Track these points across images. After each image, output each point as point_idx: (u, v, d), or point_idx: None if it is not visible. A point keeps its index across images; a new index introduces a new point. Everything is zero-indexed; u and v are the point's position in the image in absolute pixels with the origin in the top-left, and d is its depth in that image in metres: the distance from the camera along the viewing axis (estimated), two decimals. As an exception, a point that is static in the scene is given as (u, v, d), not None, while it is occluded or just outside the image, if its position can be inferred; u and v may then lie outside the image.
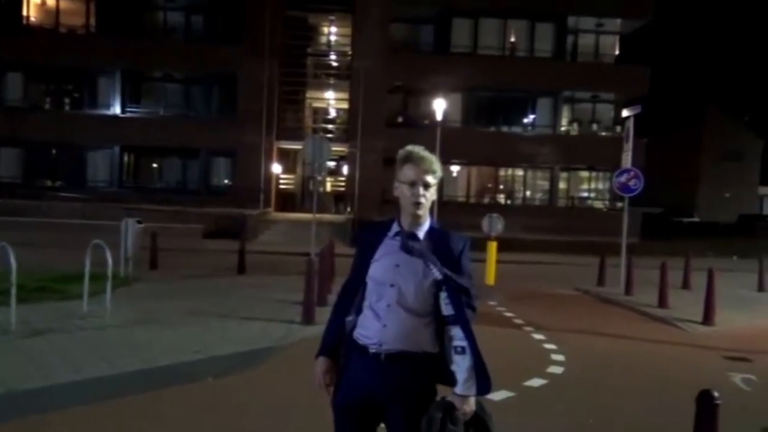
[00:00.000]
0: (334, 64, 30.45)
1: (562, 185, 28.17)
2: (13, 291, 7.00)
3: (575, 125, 28.11)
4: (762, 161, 51.21)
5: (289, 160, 29.25)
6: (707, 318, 9.81)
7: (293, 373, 6.05)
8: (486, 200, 27.29)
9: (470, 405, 2.44)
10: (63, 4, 26.15)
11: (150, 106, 26.60)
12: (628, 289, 12.74)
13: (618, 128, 25.41)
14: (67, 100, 26.40)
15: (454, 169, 27.11)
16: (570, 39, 27.67)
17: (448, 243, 2.55)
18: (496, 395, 5.37)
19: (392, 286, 2.49)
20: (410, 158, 2.54)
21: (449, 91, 23.60)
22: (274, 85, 26.41)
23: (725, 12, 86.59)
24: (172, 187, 26.29)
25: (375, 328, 2.50)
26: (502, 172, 28.12)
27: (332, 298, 7.88)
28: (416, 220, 2.55)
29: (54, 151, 26.13)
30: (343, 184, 29.39)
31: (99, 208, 21.55)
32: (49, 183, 25.60)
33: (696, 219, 42.47)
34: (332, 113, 31.80)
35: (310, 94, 30.06)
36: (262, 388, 5.84)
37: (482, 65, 25.91)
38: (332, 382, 2.62)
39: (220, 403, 5.28)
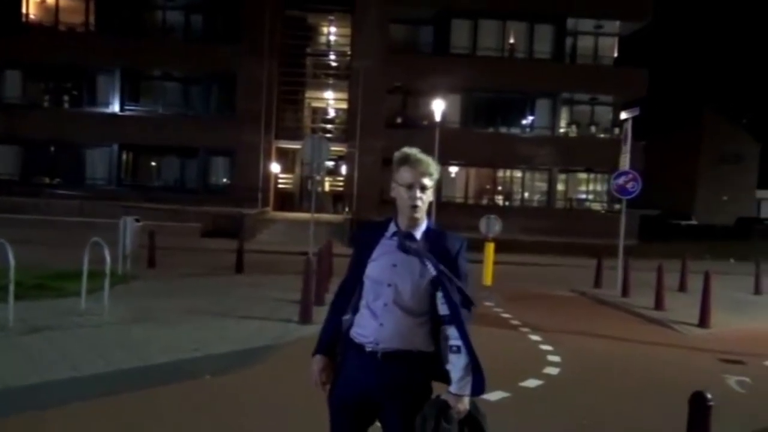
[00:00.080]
0: (334, 64, 30.48)
1: (560, 187, 28.23)
2: (11, 288, 7.01)
3: (574, 127, 28.18)
4: (760, 164, 51.25)
5: (287, 159, 29.27)
6: (703, 320, 9.83)
7: (290, 372, 6.07)
8: (484, 201, 27.33)
9: (464, 404, 2.46)
10: (62, 3, 26.14)
11: (149, 104, 26.61)
12: (625, 291, 12.76)
13: (616, 130, 25.45)
14: (66, 98, 26.42)
15: (453, 170, 27.13)
16: (569, 41, 27.72)
17: (445, 243, 2.57)
18: (492, 395, 5.40)
19: (389, 285, 2.51)
20: (407, 160, 2.56)
21: (448, 92, 23.62)
22: (273, 84, 26.43)
23: (724, 15, 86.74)
24: (170, 185, 26.31)
25: (372, 327, 2.53)
26: (500, 174, 28.16)
27: (329, 297, 7.91)
28: (413, 222, 2.58)
29: (52, 149, 26.13)
30: (341, 184, 29.41)
31: (97, 206, 21.55)
32: (47, 180, 25.59)
33: (693, 221, 42.48)
34: (331, 113, 31.83)
35: (309, 93, 30.09)
36: (259, 386, 5.86)
37: (481, 66, 25.96)
38: (329, 380, 2.64)
39: (218, 401, 5.29)
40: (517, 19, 26.99)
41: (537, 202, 28.13)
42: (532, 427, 5.18)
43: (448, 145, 19.97)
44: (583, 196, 29.41)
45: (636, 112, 13.99)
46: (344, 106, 29.13)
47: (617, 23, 27.94)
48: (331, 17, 29.55)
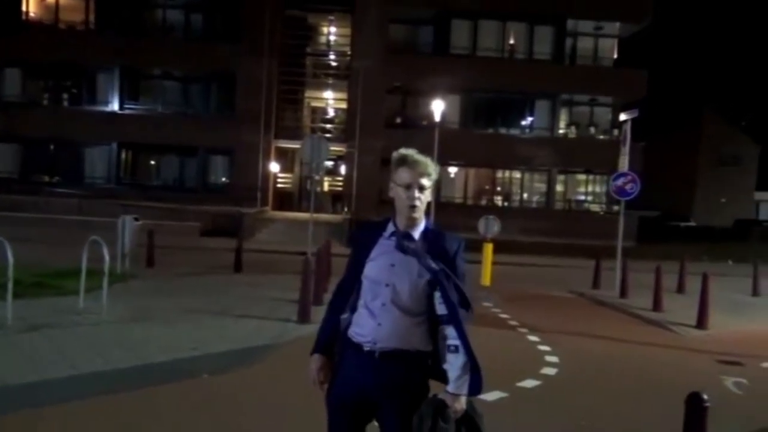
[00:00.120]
0: (333, 64, 30.48)
1: (559, 188, 28.23)
2: (10, 286, 7.03)
3: (573, 128, 28.18)
4: (759, 166, 51.29)
5: (287, 159, 29.26)
6: (701, 322, 9.86)
7: (288, 371, 6.08)
8: (483, 202, 27.33)
9: (461, 403, 2.47)
10: (62, 1, 26.09)
11: (148, 103, 26.57)
12: (623, 292, 12.79)
13: (615, 131, 25.47)
14: (65, 97, 26.40)
15: (452, 170, 27.13)
16: (569, 42, 27.71)
17: (443, 244, 2.58)
18: (490, 395, 5.40)
19: (387, 285, 2.52)
20: (405, 161, 2.57)
21: (448, 93, 23.61)
22: (273, 84, 26.42)
23: (723, 17, 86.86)
24: (169, 184, 26.29)
25: (369, 327, 2.54)
26: (499, 174, 28.15)
27: (328, 297, 7.92)
28: (411, 222, 2.59)
29: (51, 147, 26.09)
30: (340, 183, 29.41)
31: (96, 204, 21.55)
32: (46, 179, 25.58)
33: (692, 223, 42.55)
34: (331, 113, 31.82)
35: (308, 93, 30.07)
36: (257, 385, 5.87)
37: (481, 67, 25.96)
38: (326, 379, 2.65)
39: (216, 400, 5.30)
40: (517, 20, 26.98)
41: (536, 203, 28.14)
42: (530, 428, 5.19)
43: (448, 146, 19.98)
44: (582, 198, 29.41)
45: (635, 113, 14.02)
46: (344, 106, 29.13)
47: (617, 25, 27.94)
48: (331, 17, 29.55)
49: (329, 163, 27.58)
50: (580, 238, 22.77)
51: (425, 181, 2.55)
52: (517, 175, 28.01)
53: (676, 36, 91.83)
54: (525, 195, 28.16)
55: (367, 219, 18.64)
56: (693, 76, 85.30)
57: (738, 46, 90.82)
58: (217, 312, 8.75)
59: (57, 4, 26.01)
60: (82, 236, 8.42)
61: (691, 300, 10.88)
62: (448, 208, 23.80)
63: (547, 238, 23.49)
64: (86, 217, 20.04)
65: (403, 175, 2.56)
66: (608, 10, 26.63)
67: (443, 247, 2.56)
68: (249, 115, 25.43)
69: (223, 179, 26.93)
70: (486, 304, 11.20)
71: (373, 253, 2.59)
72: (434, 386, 2.57)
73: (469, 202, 27.17)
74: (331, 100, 31.04)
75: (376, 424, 2.60)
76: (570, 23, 27.21)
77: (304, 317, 8.41)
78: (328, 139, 20.18)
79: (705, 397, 3.14)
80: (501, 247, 15.66)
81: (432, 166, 2.58)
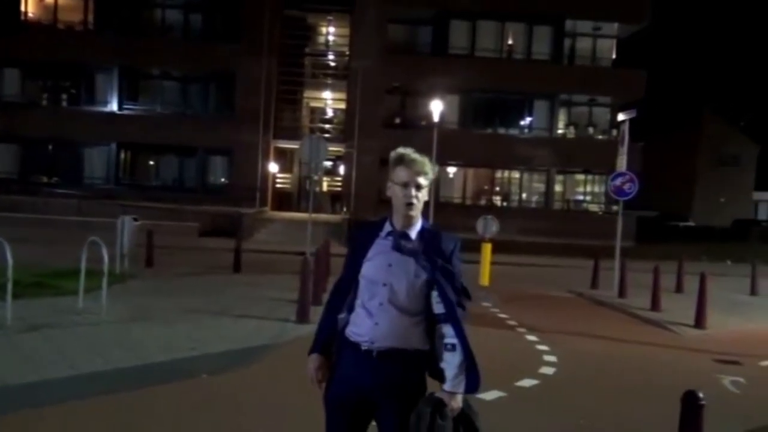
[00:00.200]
0: (332, 64, 30.51)
1: (557, 188, 28.25)
2: (9, 286, 7.04)
3: (572, 128, 28.19)
4: (758, 166, 51.30)
5: (286, 159, 29.28)
6: (699, 321, 9.89)
7: (287, 371, 6.09)
8: (482, 202, 27.34)
9: (458, 401, 2.49)
10: (61, 1, 26.08)
11: (147, 103, 26.54)
12: (622, 292, 12.81)
13: (614, 132, 25.47)
14: (64, 97, 26.37)
15: (451, 170, 27.14)
16: (567, 42, 27.72)
17: (440, 243, 2.59)
18: (488, 395, 5.42)
19: (384, 285, 2.54)
20: (402, 160, 2.59)
21: (446, 93, 23.63)
22: (272, 84, 26.44)
23: (722, 17, 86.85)
24: (168, 184, 26.28)
25: (367, 326, 2.55)
26: (498, 174, 28.16)
27: (327, 297, 7.93)
28: (408, 221, 2.60)
29: (50, 148, 26.07)
30: (339, 184, 29.43)
31: (95, 205, 21.55)
32: (45, 179, 25.56)
33: (691, 223, 42.56)
34: (329, 113, 31.85)
35: (307, 93, 30.10)
36: (256, 385, 5.88)
37: (480, 67, 25.96)
38: (324, 379, 2.66)
39: (215, 400, 5.32)
40: (515, 20, 26.98)
41: (535, 203, 28.16)
42: (528, 427, 5.21)
43: (446, 146, 19.99)
44: (581, 197, 29.43)
45: (633, 114, 14.04)
46: (342, 106, 29.14)
47: (615, 25, 27.96)
48: (330, 17, 29.58)
49: (328, 163, 27.58)
50: (579, 238, 22.79)
51: (422, 180, 2.57)
52: (516, 175, 28.03)
53: (675, 36, 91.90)
54: (524, 195, 28.19)
55: (365, 219, 18.64)
56: (692, 76, 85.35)
57: (738, 46, 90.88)
58: (217, 312, 8.77)
59: (56, 4, 26.00)
60: (82, 236, 8.44)
61: (690, 300, 10.89)
62: (447, 208, 23.81)
63: (545, 238, 23.51)
64: (85, 218, 20.05)
65: (400, 173, 2.58)
66: (607, 10, 26.64)
67: (440, 247, 2.58)
68: (248, 115, 25.44)
69: (222, 179, 26.93)
70: (485, 303, 11.22)
71: (370, 253, 2.60)
72: (432, 385, 2.59)
73: (468, 202, 27.19)
74: (330, 100, 31.06)
75: (375, 423, 2.61)
76: (569, 23, 27.23)
77: (302, 317, 8.42)
78: (327, 139, 20.19)
79: (701, 395, 3.16)
80: (500, 247, 15.68)
81: (429, 165, 2.60)
